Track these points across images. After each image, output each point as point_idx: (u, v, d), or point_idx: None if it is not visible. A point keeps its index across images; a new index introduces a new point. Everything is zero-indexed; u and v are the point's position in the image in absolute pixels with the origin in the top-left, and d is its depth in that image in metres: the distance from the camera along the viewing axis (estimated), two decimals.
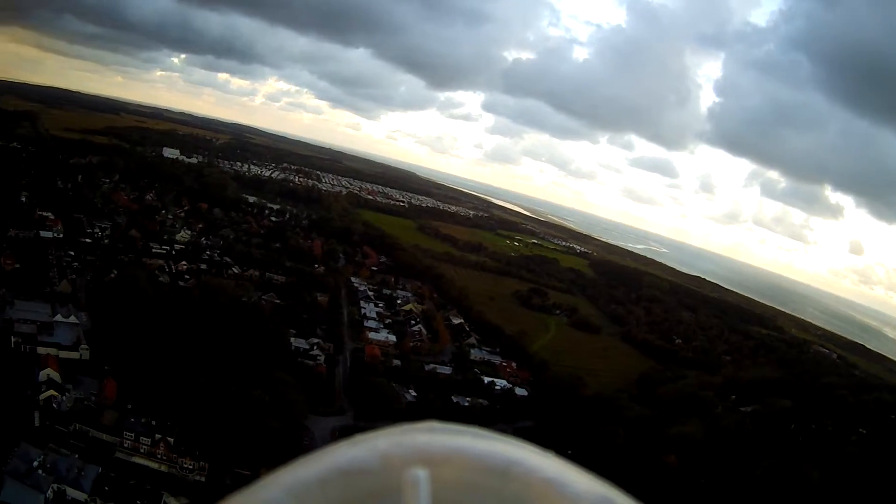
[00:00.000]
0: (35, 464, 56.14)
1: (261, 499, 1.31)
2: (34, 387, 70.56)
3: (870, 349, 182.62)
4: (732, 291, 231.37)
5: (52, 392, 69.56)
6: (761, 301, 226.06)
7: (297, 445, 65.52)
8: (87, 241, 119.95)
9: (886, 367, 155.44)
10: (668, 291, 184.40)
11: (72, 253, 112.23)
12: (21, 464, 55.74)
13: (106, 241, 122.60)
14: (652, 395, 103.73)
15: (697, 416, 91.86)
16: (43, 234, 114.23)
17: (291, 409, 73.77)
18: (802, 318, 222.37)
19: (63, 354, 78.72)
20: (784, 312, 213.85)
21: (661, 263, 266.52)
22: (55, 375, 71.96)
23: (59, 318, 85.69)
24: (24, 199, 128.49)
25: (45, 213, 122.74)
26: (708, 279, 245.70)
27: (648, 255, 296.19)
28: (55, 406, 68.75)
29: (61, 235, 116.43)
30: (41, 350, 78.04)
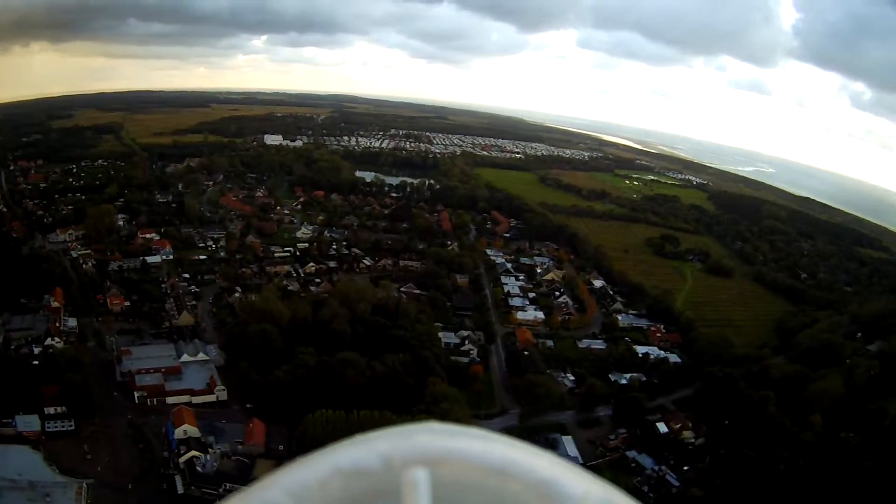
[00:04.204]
0: None
1: (261, 499, 1.31)
2: (170, 447, 59.96)
3: None
4: (840, 211, 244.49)
5: (193, 453, 58.58)
6: (867, 219, 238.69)
7: None
8: (201, 257, 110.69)
9: None
10: (786, 220, 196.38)
11: (186, 276, 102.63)
12: None
13: (222, 252, 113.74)
14: (791, 345, 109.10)
15: (834, 366, 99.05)
16: (150, 259, 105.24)
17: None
18: None
19: (196, 399, 68.79)
20: (889, 230, 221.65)
21: (771, 186, 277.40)
22: (193, 430, 61.74)
23: (185, 357, 76.66)
24: (121, 222, 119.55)
25: (147, 235, 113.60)
26: (817, 199, 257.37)
27: (759, 179, 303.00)
28: (200, 468, 57.58)
29: (171, 257, 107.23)
30: (171, 400, 68.01)
